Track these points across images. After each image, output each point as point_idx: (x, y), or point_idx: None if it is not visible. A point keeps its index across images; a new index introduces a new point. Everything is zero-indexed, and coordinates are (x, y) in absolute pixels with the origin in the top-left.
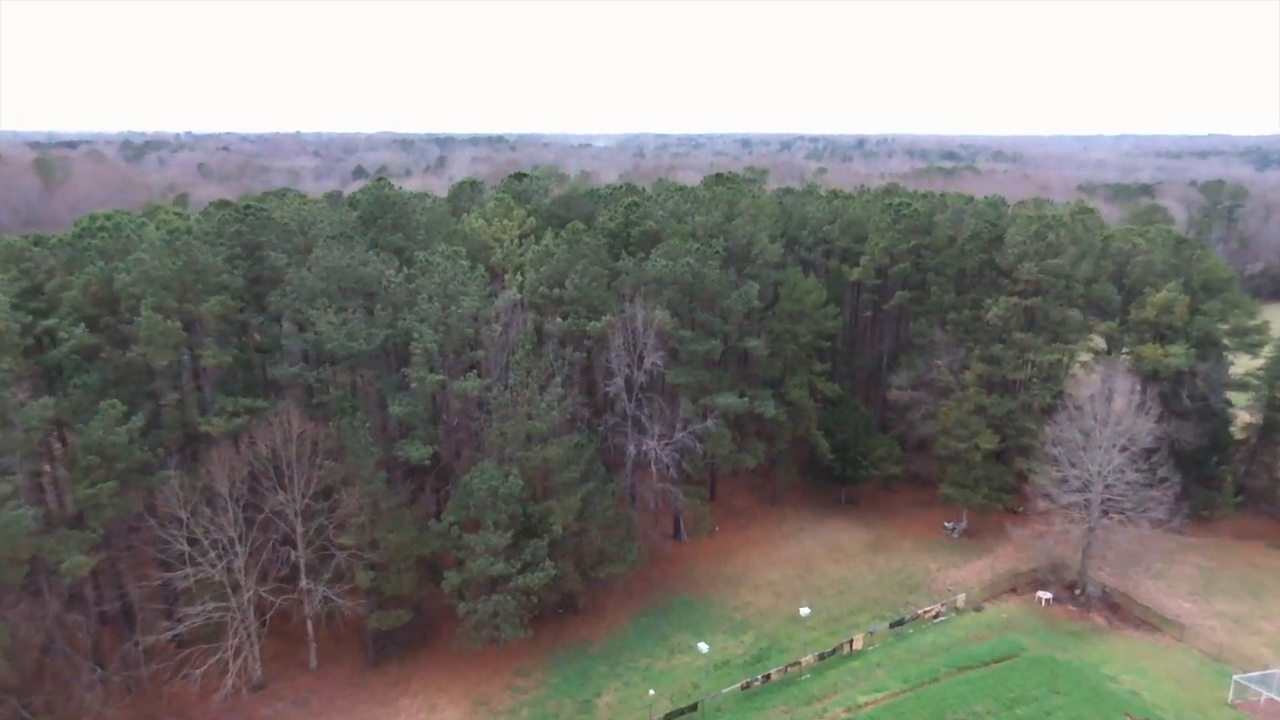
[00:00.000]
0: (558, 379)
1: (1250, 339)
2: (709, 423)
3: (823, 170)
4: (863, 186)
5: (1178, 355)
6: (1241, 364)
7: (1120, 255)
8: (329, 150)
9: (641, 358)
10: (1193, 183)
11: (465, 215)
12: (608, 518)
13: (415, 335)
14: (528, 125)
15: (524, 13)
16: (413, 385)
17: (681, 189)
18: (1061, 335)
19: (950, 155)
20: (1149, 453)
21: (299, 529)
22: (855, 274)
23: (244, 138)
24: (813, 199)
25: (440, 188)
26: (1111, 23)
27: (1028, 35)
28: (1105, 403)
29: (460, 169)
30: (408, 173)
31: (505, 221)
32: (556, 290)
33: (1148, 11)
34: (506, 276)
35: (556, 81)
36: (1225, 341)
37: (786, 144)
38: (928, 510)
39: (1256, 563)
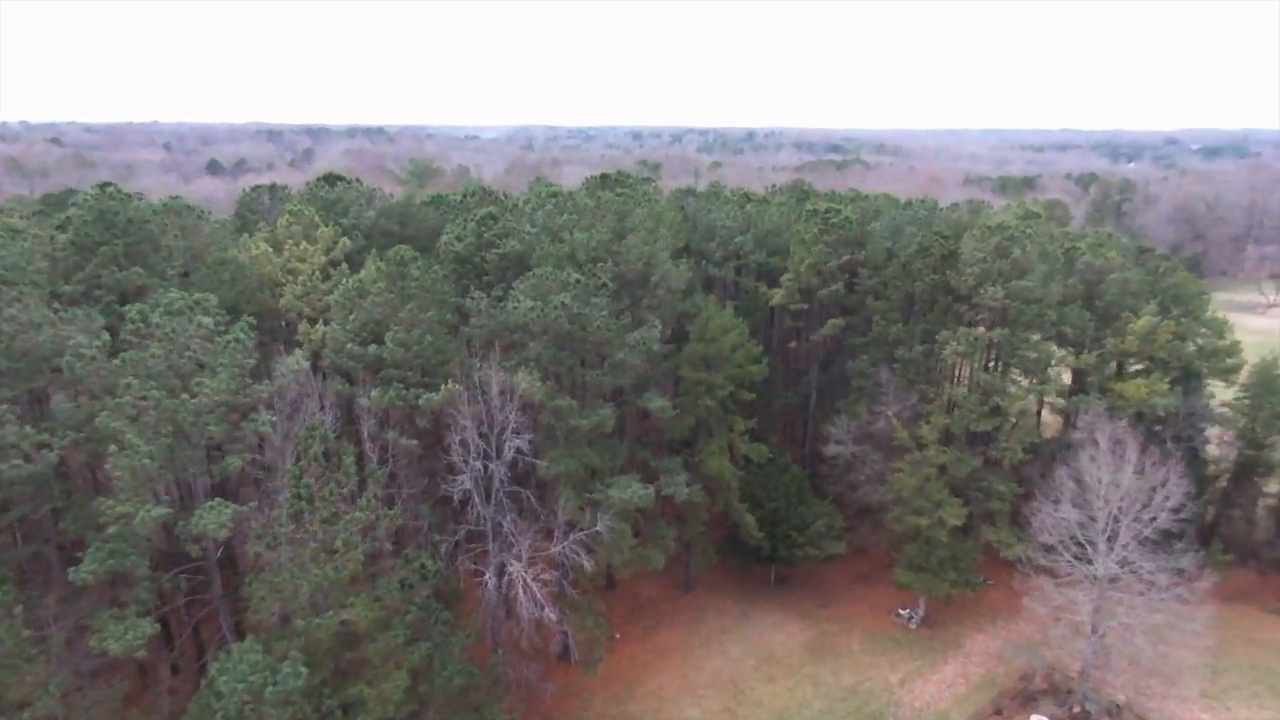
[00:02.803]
0: (371, 489)
1: (1223, 364)
2: (601, 526)
3: (717, 164)
4: (773, 186)
5: (1165, 394)
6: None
7: (1090, 272)
8: (183, 142)
9: (501, 442)
10: (1068, 175)
11: (251, 237)
12: (454, 688)
13: (112, 448)
14: (413, 117)
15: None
16: (111, 529)
17: (557, 195)
18: (1034, 374)
19: (836, 148)
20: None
21: None
22: (777, 297)
23: (89, 128)
24: (719, 203)
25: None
26: (971, 21)
27: (898, 32)
28: (1095, 460)
29: (330, 162)
30: (269, 166)
31: (305, 245)
32: (373, 347)
33: (1002, 11)
34: (301, 329)
35: (445, 72)
36: (1203, 369)
37: (678, 137)
38: (874, 588)
39: (1257, 638)
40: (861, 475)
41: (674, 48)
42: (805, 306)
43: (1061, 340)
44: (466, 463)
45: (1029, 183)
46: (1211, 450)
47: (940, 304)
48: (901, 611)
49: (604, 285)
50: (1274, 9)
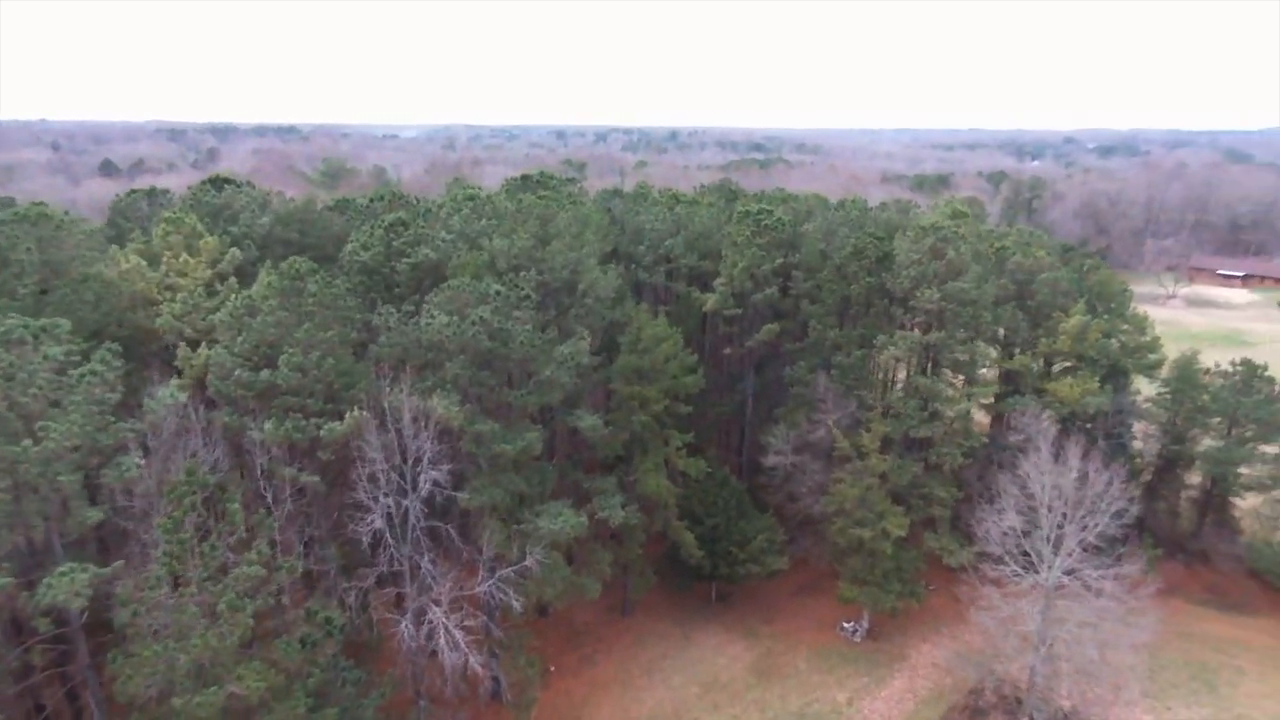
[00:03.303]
0: (264, 536)
1: (1146, 360)
2: (530, 559)
3: (642, 163)
4: (701, 187)
5: (1096, 393)
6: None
7: (1020, 273)
8: (73, 141)
9: (416, 474)
10: (979, 173)
11: (123, 248)
12: None
13: None
14: (328, 115)
15: None
16: None
17: (474, 198)
18: (971, 377)
19: (758, 147)
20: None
21: None
22: (710, 302)
23: None
24: (647, 204)
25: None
26: (881, 24)
27: (814, 35)
28: (1038, 467)
29: (236, 162)
30: (170, 167)
31: (186, 258)
32: (266, 372)
33: (909, 14)
34: (180, 353)
35: (364, 69)
36: (1128, 365)
37: (602, 136)
38: (817, 600)
39: (1189, 630)
40: (802, 486)
41: (597, 47)
42: (739, 312)
43: (995, 341)
44: (376, 499)
45: (944, 180)
46: (1136, 445)
47: (876, 307)
48: (846, 625)
49: (527, 296)
50: (1155, 17)
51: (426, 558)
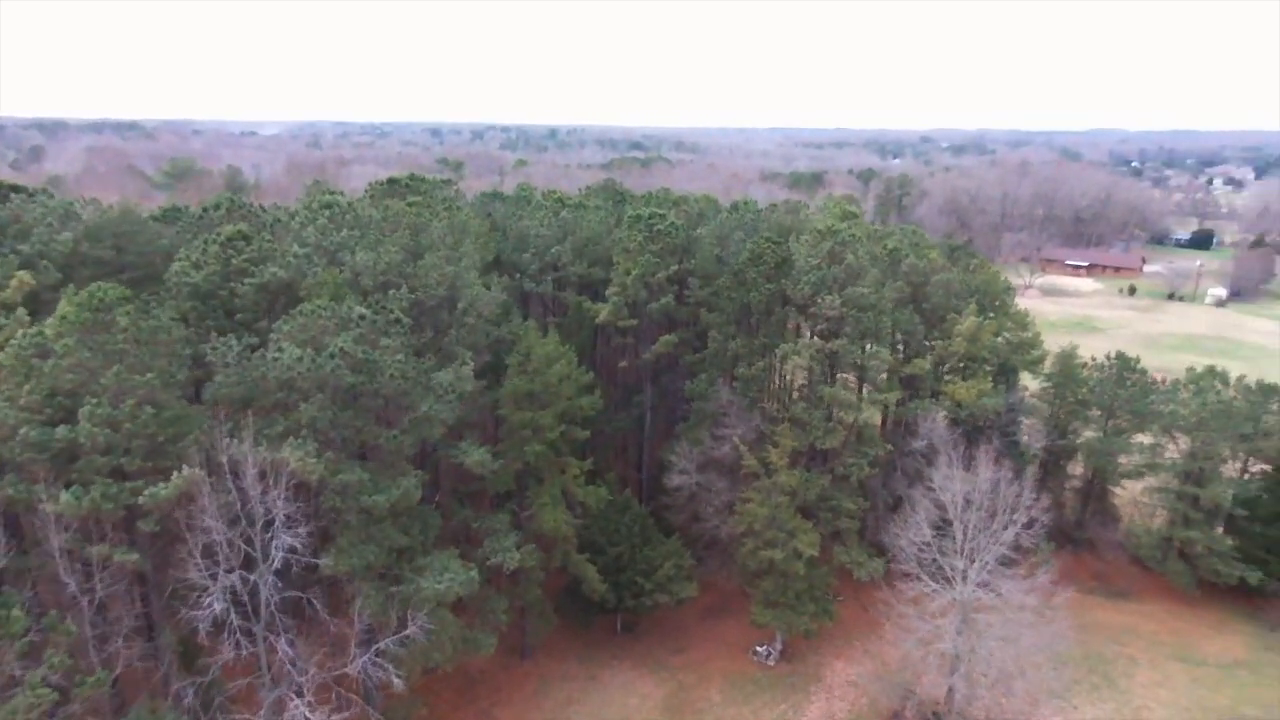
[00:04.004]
0: (60, 640)
1: (1029, 356)
2: (414, 626)
3: (522, 162)
4: (587, 188)
5: (991, 393)
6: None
7: (915, 274)
8: None
9: (267, 541)
10: (850, 171)
11: None
12: None
13: None
14: (178, 110)
15: None
16: None
17: (333, 206)
18: (874, 383)
19: (637, 145)
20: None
21: None
22: (603, 313)
23: None
24: (531, 208)
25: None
26: (751, 24)
27: (689, 35)
28: (950, 479)
29: (64, 162)
30: None
31: None
32: (63, 429)
33: (777, 14)
34: None
35: (220, 60)
36: (1017, 363)
37: (479, 134)
38: (727, 622)
39: (1084, 621)
40: (708, 506)
41: (474, 44)
42: (634, 323)
43: (893, 345)
44: (215, 577)
45: (818, 178)
46: (1024, 439)
47: (777, 315)
48: (759, 649)
49: (397, 320)
50: (996, 24)
51: (284, 639)
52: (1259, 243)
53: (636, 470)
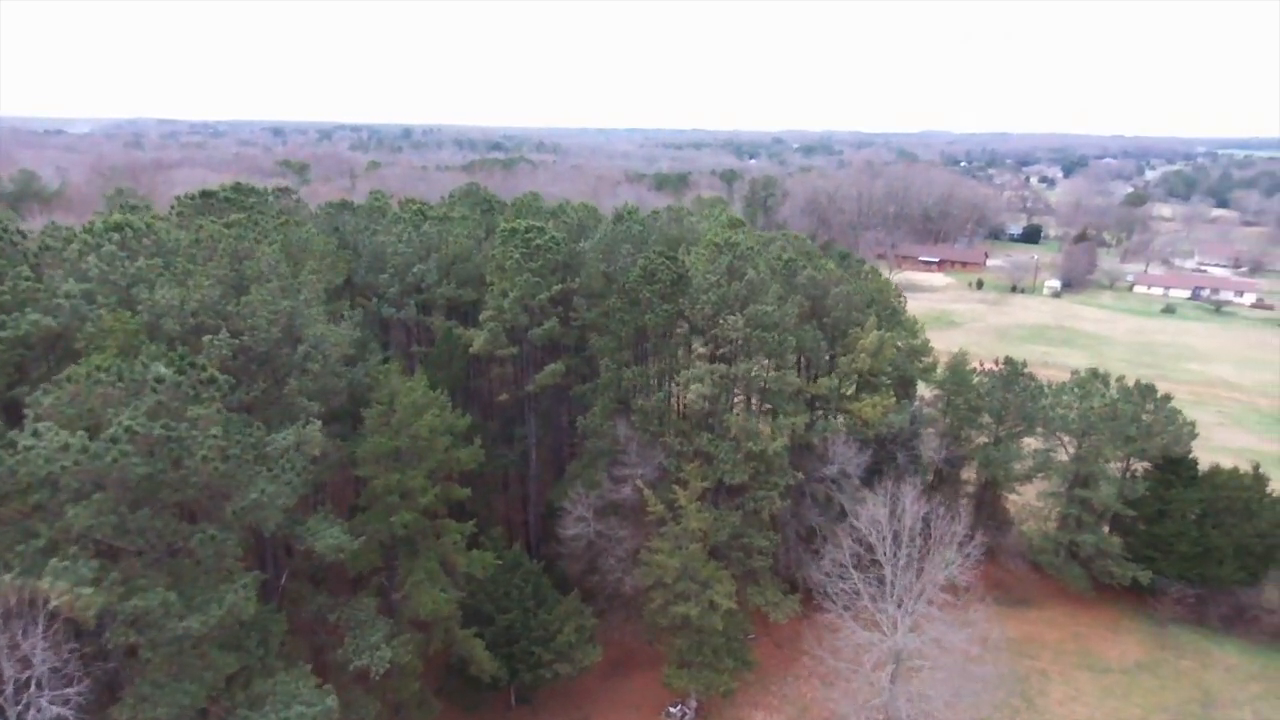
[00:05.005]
0: None
1: (922, 365)
2: None
3: (375, 164)
4: (451, 195)
5: (895, 409)
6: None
7: (813, 287)
8: None
9: (22, 706)
10: (713, 171)
11: None
12: None
13: None
14: None
15: None
16: None
17: (124, 227)
18: (781, 407)
19: (497, 146)
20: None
21: None
22: (478, 342)
23: None
24: (387, 220)
25: None
26: (606, 24)
27: (543, 34)
28: (877, 521)
29: None
30: None
31: None
32: None
33: (633, 15)
34: None
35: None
36: (915, 374)
37: (326, 133)
38: (633, 681)
39: (989, 635)
40: (610, 558)
41: (321, 38)
42: (514, 351)
43: (797, 365)
44: None
45: (683, 179)
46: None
47: (675, 338)
48: (672, 710)
49: (212, 379)
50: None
51: None
52: (1082, 237)
53: (522, 508)
